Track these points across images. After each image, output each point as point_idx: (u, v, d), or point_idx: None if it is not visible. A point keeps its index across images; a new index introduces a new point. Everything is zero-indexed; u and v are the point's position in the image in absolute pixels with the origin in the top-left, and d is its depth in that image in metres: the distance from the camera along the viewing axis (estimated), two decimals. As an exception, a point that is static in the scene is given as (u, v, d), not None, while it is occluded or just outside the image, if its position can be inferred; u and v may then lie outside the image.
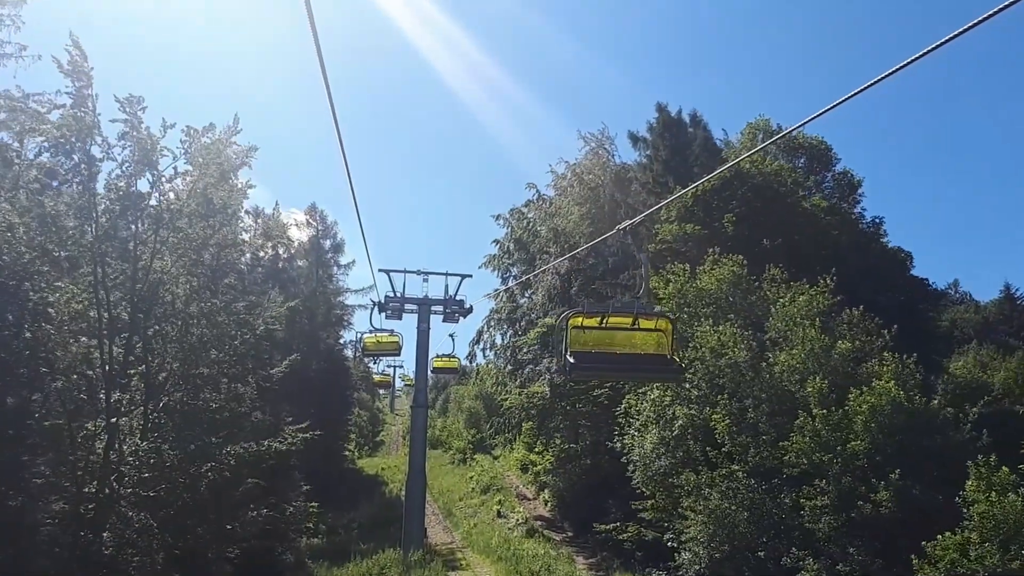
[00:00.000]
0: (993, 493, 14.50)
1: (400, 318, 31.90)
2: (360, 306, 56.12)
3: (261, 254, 50.06)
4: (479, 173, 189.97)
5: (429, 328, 31.62)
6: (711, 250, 22.89)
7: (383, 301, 31.92)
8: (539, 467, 41.70)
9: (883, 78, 5.61)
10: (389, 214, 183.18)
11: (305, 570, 30.83)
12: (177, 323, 16.71)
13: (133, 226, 17.11)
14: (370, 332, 34.29)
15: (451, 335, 28.10)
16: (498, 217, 45.39)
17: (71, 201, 15.87)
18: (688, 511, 18.45)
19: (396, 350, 34.71)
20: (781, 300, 20.48)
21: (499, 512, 38.87)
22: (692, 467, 19.24)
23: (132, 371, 16.09)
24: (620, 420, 24.58)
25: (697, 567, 18.06)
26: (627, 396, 25.13)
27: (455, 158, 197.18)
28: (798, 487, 16.72)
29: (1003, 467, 15.16)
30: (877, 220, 32.24)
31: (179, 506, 17.63)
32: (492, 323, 43.63)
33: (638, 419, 22.49)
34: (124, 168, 17.42)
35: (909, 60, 5.33)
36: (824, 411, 16.43)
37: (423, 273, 34.41)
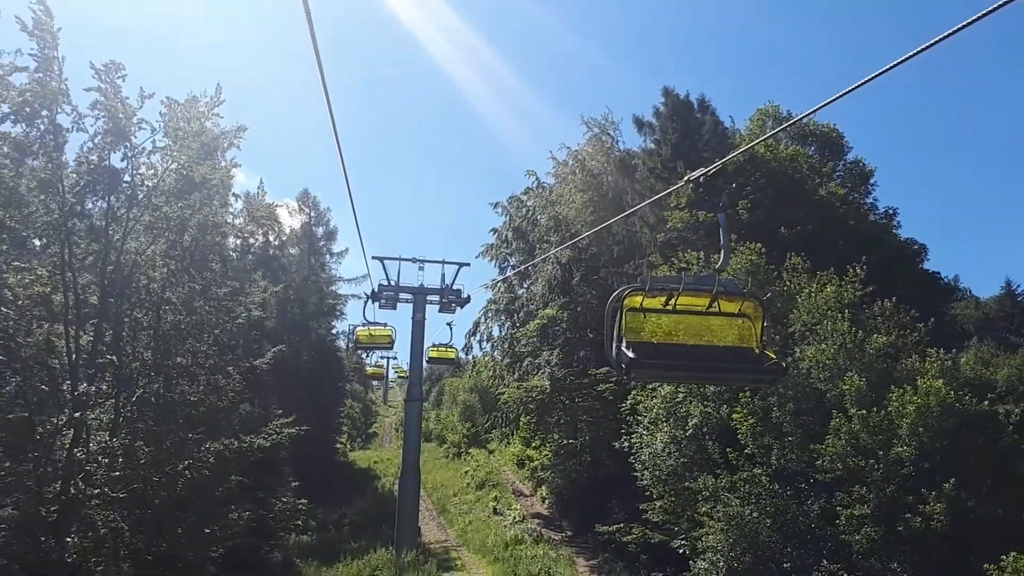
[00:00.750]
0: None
1: (395, 308, 30.56)
2: (353, 296, 54.69)
3: (252, 241, 48.65)
4: (477, 162, 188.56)
5: (425, 318, 30.24)
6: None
7: (376, 290, 30.50)
8: (536, 463, 40.50)
9: (876, 77, 5.44)
10: (384, 204, 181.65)
11: (293, 569, 29.58)
12: (151, 309, 15.33)
13: (104, 203, 15.75)
14: (363, 325, 32.85)
15: (449, 324, 26.76)
16: (496, 205, 44.02)
17: (34, 174, 14.45)
18: (705, 517, 17.20)
19: (389, 343, 33.38)
20: (806, 291, 19.20)
21: (495, 509, 37.66)
22: (708, 469, 18.00)
23: (101, 361, 14.75)
24: (627, 417, 23.28)
25: (715, 577, 16.75)
26: (633, 392, 23.86)
27: (452, 147, 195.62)
28: (829, 493, 15.50)
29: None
30: (891, 211, 31.08)
31: (156, 505, 16.34)
32: (490, 314, 42.31)
33: (646, 416, 21.23)
34: (96, 140, 16.05)
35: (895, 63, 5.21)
36: (863, 412, 15.16)
37: (419, 261, 32.66)
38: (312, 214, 51.89)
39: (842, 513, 14.54)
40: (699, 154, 28.15)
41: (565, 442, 34.49)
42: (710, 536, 16.54)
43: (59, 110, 15.19)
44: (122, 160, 15.73)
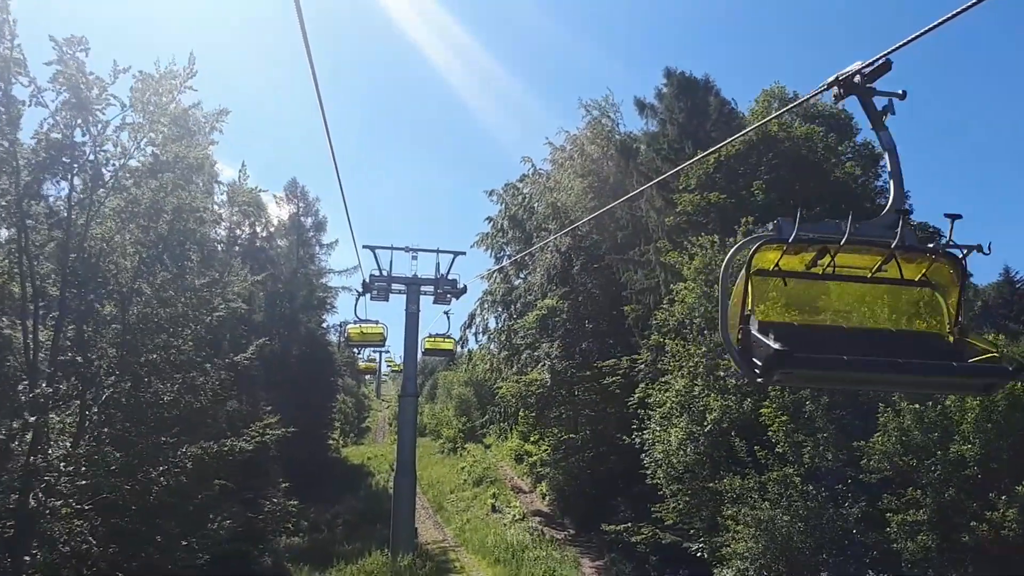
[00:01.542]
0: None
1: (387, 299, 29.13)
2: (344, 288, 53.28)
3: (238, 232, 47.11)
4: (469, 152, 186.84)
5: (419, 310, 28.69)
6: (744, 219, 20.32)
7: (368, 281, 28.96)
8: (535, 458, 39.20)
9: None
10: (374, 196, 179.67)
11: (284, 574, 28.32)
12: (117, 301, 13.88)
13: (65, 183, 14.27)
14: (355, 322, 31.37)
15: (446, 312, 25.43)
16: (491, 193, 42.49)
17: (-17, 150, 12.97)
18: (730, 521, 15.91)
19: (381, 341, 31.99)
20: None
21: (494, 506, 36.41)
22: (729, 468, 16.71)
23: (63, 358, 13.31)
24: (635, 411, 21.95)
25: (744, 586, 15.38)
26: (642, 384, 22.61)
27: (444, 138, 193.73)
28: (872, 495, 14.21)
29: None
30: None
31: (130, 515, 14.95)
32: (486, 306, 40.90)
33: (658, 410, 19.93)
34: (57, 117, 14.57)
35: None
36: (916, 406, 13.82)
37: (411, 250, 30.95)
38: (300, 204, 50.37)
39: (892, 519, 13.24)
40: (707, 134, 26.89)
41: (565, 437, 33.22)
42: (738, 542, 15.24)
43: (13, 80, 13.74)
44: (84, 136, 14.21)
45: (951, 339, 4.48)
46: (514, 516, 33.58)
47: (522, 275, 40.13)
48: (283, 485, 31.07)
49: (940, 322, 4.54)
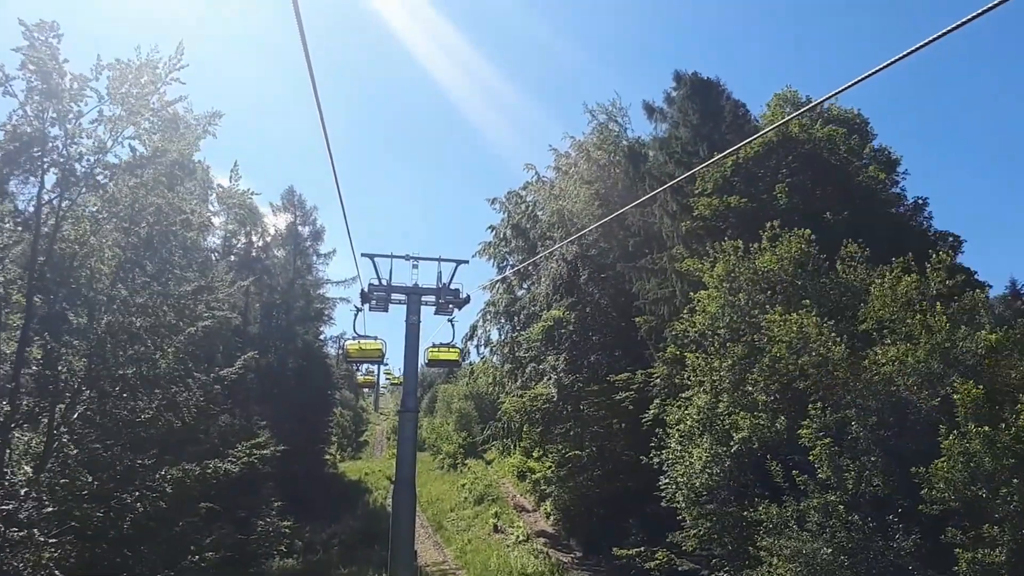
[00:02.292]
0: None
1: (387, 310, 27.78)
2: (342, 299, 51.88)
3: (234, 241, 45.87)
4: (470, 162, 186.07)
5: (420, 321, 27.29)
6: (769, 224, 19.10)
7: (367, 290, 27.56)
8: (539, 475, 37.69)
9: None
10: (374, 207, 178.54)
11: (276, 600, 26.96)
12: (85, 309, 12.60)
13: (35, 180, 13.04)
14: (353, 338, 30.11)
15: (450, 320, 24.24)
16: (493, 201, 41.18)
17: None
18: (764, 552, 14.51)
19: (380, 357, 30.76)
20: (877, 281, 16.62)
21: (496, 526, 34.92)
22: (759, 492, 15.35)
23: (28, 372, 12.02)
24: (648, 428, 20.55)
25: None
26: (657, 400, 21.29)
27: (444, 148, 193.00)
28: (929, 528, 12.74)
29: None
30: (920, 200, 28.62)
31: (105, 544, 13.63)
32: (488, 317, 39.47)
33: (676, 428, 18.58)
34: (27, 107, 13.38)
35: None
36: (985, 429, 12.41)
37: (412, 258, 29.33)
38: (298, 213, 49.11)
39: (962, 556, 11.79)
40: (723, 136, 25.70)
41: (571, 454, 31.82)
42: (774, 577, 13.84)
43: (-24, 68, 12.60)
44: (56, 129, 13.01)
45: None
46: (517, 537, 32.13)
47: (525, 285, 38.86)
48: (276, 504, 29.71)
49: None
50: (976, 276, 28.18)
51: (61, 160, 13.31)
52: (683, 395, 19.34)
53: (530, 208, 39.33)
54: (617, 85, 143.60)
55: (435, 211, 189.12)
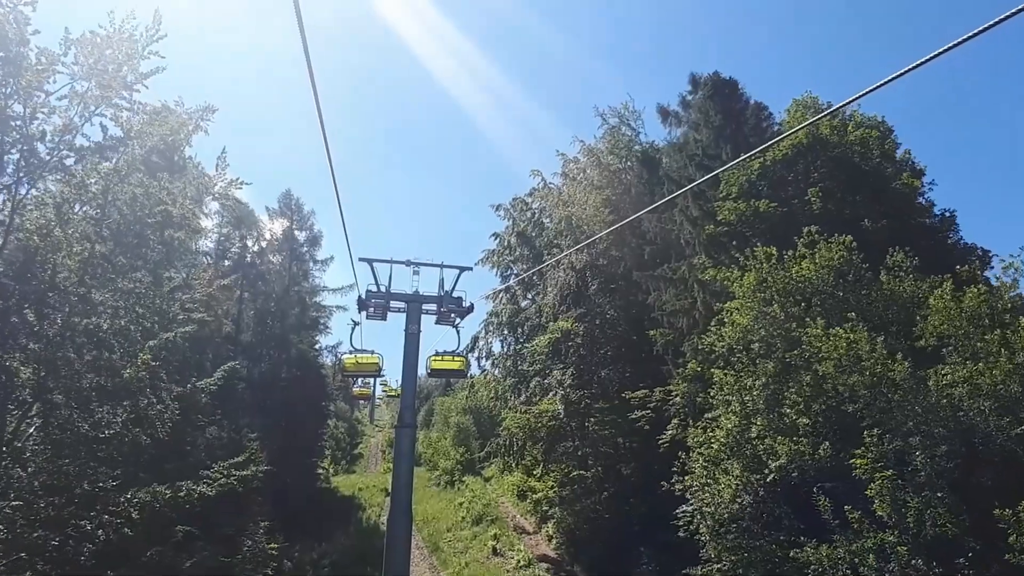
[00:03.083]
0: None
1: (384, 318, 26.28)
2: (339, 307, 50.27)
3: (227, 244, 44.39)
4: (473, 171, 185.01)
5: (420, 331, 25.70)
6: (806, 229, 17.58)
7: (364, 296, 25.97)
8: (540, 495, 35.95)
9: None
10: (373, 214, 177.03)
11: (261, 628, 25.19)
12: (34, 308, 11.02)
13: (-11, 161, 11.52)
14: (350, 352, 28.65)
15: (455, 326, 22.73)
16: (498, 207, 39.81)
17: None
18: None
19: (376, 371, 29.24)
20: (936, 293, 15.02)
21: (495, 549, 33.16)
22: (798, 527, 13.73)
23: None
24: (676, 453, 18.82)
25: None
26: (675, 420, 19.68)
27: (447, 155, 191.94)
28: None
29: None
30: (948, 213, 27.05)
31: (68, 571, 11.96)
32: (490, 328, 37.97)
33: (699, 451, 16.95)
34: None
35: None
36: None
37: (413, 263, 27.62)
38: (295, 217, 47.57)
39: None
40: (746, 139, 24.24)
41: (575, 474, 30.15)
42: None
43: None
44: (12, 101, 11.48)
45: None
46: (518, 562, 30.43)
47: (530, 296, 37.37)
48: (263, 524, 27.98)
49: None
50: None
51: (21, 140, 11.79)
52: (707, 415, 17.74)
53: (536, 215, 37.96)
54: (625, 91, 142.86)
55: (436, 219, 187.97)
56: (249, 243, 45.83)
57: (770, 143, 16.19)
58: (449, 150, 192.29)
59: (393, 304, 27.25)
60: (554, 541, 33.01)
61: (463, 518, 39.74)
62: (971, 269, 18.11)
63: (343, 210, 15.44)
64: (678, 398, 20.87)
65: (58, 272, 12.03)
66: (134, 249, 13.46)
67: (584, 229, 30.36)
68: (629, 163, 30.29)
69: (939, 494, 12.12)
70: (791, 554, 13.22)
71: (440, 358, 20.59)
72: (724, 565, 16.02)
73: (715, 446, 16.32)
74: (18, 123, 11.91)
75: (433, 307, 27.96)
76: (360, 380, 56.17)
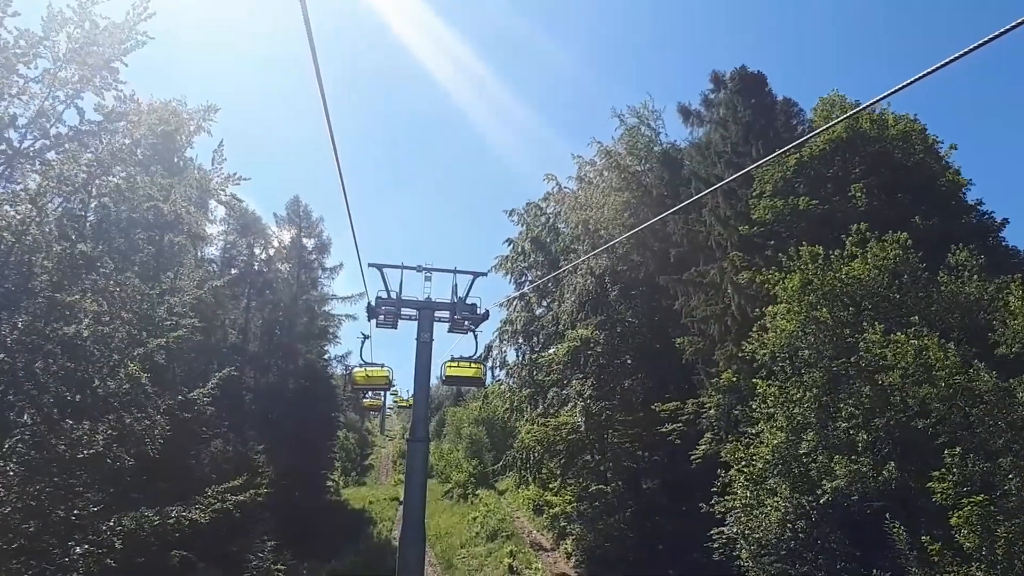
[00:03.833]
0: None
1: (395, 326, 25.05)
2: (348, 316, 49.11)
3: (234, 252, 43.35)
4: (485, 180, 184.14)
5: (432, 339, 24.37)
6: (855, 226, 16.16)
7: (374, 303, 24.70)
8: (557, 509, 34.43)
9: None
10: (382, 223, 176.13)
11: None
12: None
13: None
14: (359, 366, 27.51)
15: (473, 331, 21.37)
16: (511, 212, 38.57)
17: None
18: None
19: (386, 384, 28.12)
20: (1019, 293, 13.58)
21: (511, 567, 31.68)
22: (858, 557, 12.33)
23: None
24: (716, 471, 17.41)
25: None
26: (709, 433, 18.25)
27: (457, 165, 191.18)
28: None
29: None
30: (989, 215, 25.45)
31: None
32: (505, 336, 36.62)
33: (742, 470, 15.53)
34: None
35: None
36: None
37: (424, 269, 26.23)
38: (303, 224, 46.49)
39: None
40: (777, 134, 22.91)
41: (594, 488, 28.70)
42: None
43: None
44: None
45: None
46: (537, 581, 29.02)
47: (545, 303, 36.02)
48: (269, 544, 26.72)
49: None
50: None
51: (-8, 127, 10.62)
52: (750, 431, 16.29)
53: (551, 220, 36.70)
54: (637, 96, 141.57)
55: (446, 229, 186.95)
56: (256, 251, 44.82)
57: (812, 134, 14.91)
58: (460, 161, 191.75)
59: (404, 312, 25.73)
60: (573, 559, 31.51)
61: (477, 533, 38.26)
62: None
63: (352, 213, 14.11)
64: (712, 411, 19.47)
65: (35, 274, 10.83)
66: (120, 249, 12.27)
67: (602, 233, 29.02)
68: (649, 164, 28.96)
69: (1034, 524, 10.70)
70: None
71: (456, 364, 19.07)
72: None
73: (759, 464, 14.90)
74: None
75: (446, 314, 26.43)
76: (371, 392, 55.01)
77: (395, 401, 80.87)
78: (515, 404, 35.43)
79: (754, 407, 16.20)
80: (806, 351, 15.04)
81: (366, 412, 78.94)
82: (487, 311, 27.48)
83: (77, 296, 10.00)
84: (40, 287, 10.82)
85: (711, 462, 19.39)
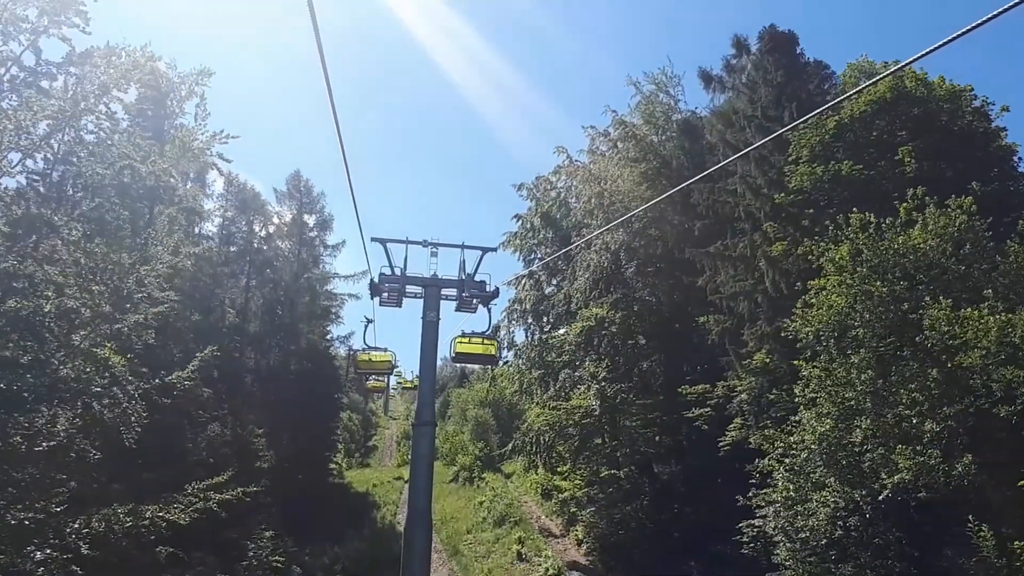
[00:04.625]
0: None
1: (400, 304, 23.67)
2: (351, 295, 47.82)
3: (233, 229, 41.97)
4: (489, 157, 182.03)
5: (439, 319, 23.02)
6: (911, 191, 14.64)
7: (377, 280, 23.25)
8: (567, 494, 33.26)
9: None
10: (384, 200, 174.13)
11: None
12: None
13: None
14: (363, 349, 26.29)
15: (487, 305, 19.82)
16: (520, 187, 37.02)
17: None
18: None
19: (389, 369, 26.95)
20: None
21: (520, 553, 30.60)
22: (904, 553, 11.02)
23: None
24: (752, 459, 16.06)
25: None
26: (738, 419, 16.89)
27: (460, 142, 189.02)
28: None
29: None
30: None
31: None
32: (513, 316, 35.22)
33: (781, 460, 14.18)
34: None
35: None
36: None
37: (430, 244, 24.47)
38: (304, 200, 45.05)
39: None
40: (811, 96, 21.33)
41: (606, 474, 27.48)
42: None
43: None
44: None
45: None
46: (547, 569, 27.88)
47: (555, 281, 34.60)
48: (267, 534, 25.59)
49: None
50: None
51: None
52: (790, 417, 14.90)
53: (561, 194, 35.19)
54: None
55: (453, 207, 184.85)
56: (256, 228, 43.42)
57: (858, 88, 13.46)
58: (462, 140, 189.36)
59: (409, 289, 24.01)
60: (584, 546, 30.38)
61: (484, 518, 37.16)
62: None
63: (353, 186, 12.62)
64: (744, 395, 18.10)
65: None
66: (90, 216, 10.86)
67: (617, 207, 27.52)
68: (668, 134, 27.40)
69: None
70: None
71: (467, 340, 17.41)
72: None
73: (803, 454, 13.52)
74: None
75: (453, 292, 24.74)
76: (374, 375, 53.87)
77: (399, 383, 79.82)
78: (524, 386, 34.12)
79: (796, 391, 14.78)
80: (860, 329, 13.57)
81: (370, 393, 78.05)
82: (496, 288, 25.66)
83: (33, 266, 8.57)
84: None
85: (737, 449, 18.06)
